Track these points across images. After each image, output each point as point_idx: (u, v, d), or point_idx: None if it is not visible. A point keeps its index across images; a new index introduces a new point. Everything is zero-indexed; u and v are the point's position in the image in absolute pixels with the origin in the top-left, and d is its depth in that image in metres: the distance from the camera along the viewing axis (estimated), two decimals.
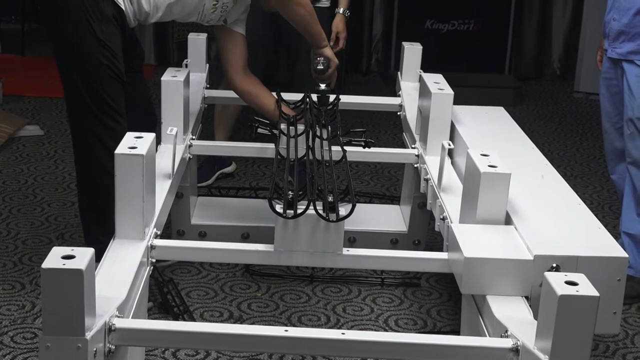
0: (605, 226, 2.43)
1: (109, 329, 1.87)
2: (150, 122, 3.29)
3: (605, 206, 4.43)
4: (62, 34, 3.05)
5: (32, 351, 2.85)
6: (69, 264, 1.72)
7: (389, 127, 5.58)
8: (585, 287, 1.76)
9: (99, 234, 2.98)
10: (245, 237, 3.52)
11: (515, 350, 1.89)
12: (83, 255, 1.76)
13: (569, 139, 5.68)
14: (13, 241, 3.67)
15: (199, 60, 3.86)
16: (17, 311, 3.10)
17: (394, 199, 4.23)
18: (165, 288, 3.24)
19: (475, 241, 2.26)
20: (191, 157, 3.31)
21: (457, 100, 3.21)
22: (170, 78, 3.20)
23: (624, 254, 2.23)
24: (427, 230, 3.63)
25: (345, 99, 3.51)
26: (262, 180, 4.55)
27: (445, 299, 3.36)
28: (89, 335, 1.75)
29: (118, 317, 1.92)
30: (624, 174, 3.52)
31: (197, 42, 3.89)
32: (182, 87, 3.18)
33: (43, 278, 1.72)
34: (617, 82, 3.48)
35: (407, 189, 3.71)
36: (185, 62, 3.67)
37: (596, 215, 2.51)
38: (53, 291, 1.72)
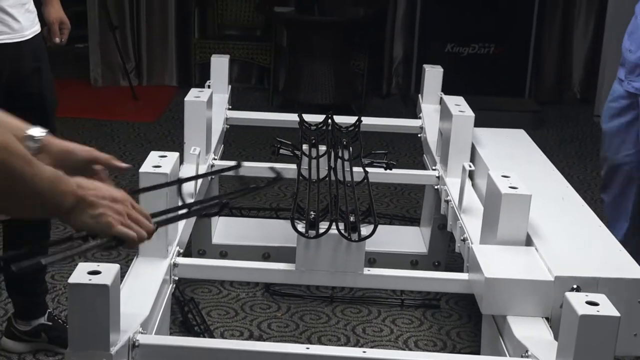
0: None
1: (132, 345, 1.89)
2: None
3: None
4: None
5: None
6: (95, 280, 1.75)
7: (408, 150, 5.60)
8: (606, 307, 1.77)
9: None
10: (266, 257, 3.54)
11: None
12: (109, 271, 1.78)
13: (589, 162, 5.68)
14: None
15: (221, 81, 3.89)
16: None
17: (414, 221, 4.24)
18: (187, 307, 3.26)
19: (496, 262, 2.27)
20: (213, 177, 3.34)
21: (478, 124, 3.23)
22: (193, 99, 3.24)
23: None
24: (447, 252, 3.64)
25: (366, 120, 3.54)
26: (283, 201, 4.57)
27: (465, 321, 3.37)
28: (113, 350, 1.78)
29: (142, 333, 1.94)
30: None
31: (219, 63, 3.93)
32: (205, 107, 3.22)
33: (70, 293, 1.75)
34: (631, 112, 3.29)
35: (427, 210, 3.73)
36: (207, 83, 3.70)
37: None
38: (79, 306, 1.75)
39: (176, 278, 2.42)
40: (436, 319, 3.39)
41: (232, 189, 4.69)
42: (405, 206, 4.65)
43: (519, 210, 2.37)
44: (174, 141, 5.36)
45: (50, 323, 3.04)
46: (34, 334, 3.02)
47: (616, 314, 1.75)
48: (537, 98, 7.16)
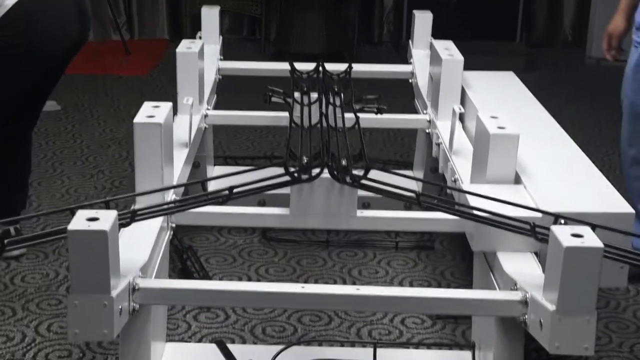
0: (615, 187, 2.48)
1: (132, 289, 1.95)
2: None
3: (617, 169, 4.47)
4: None
5: (57, 317, 2.94)
6: (94, 226, 1.79)
7: (401, 95, 5.60)
8: (590, 239, 1.82)
9: None
10: (262, 204, 3.59)
11: (524, 302, 1.96)
12: (107, 218, 1.83)
13: (581, 104, 5.73)
14: (35, 213, 3.75)
15: (212, 33, 3.92)
16: (42, 279, 3.19)
17: (407, 165, 4.29)
18: (185, 255, 3.32)
19: (486, 200, 2.31)
20: (207, 126, 3.38)
21: (469, 68, 3.26)
22: (185, 50, 3.27)
23: (631, 210, 2.29)
24: (440, 195, 3.68)
25: (357, 67, 3.57)
26: (277, 149, 4.62)
27: (459, 261, 3.43)
28: (114, 293, 1.83)
29: (141, 277, 2.00)
30: None
31: (210, 15, 3.95)
32: (197, 58, 3.24)
33: (69, 239, 1.79)
34: None
35: (420, 154, 3.77)
36: (198, 34, 3.73)
37: (607, 177, 2.56)
38: (79, 251, 1.79)
39: (173, 225, 2.47)
40: (430, 259, 3.45)
41: (225, 140, 4.75)
42: (399, 151, 4.70)
43: (507, 150, 2.42)
44: (168, 93, 5.39)
45: None
46: None
47: (600, 245, 1.80)
48: (528, 42, 7.18)
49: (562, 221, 2.03)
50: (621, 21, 3.35)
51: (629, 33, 3.35)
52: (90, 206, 1.93)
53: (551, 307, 1.84)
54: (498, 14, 6.92)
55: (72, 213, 1.87)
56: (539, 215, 2.17)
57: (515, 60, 6.36)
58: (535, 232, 2.03)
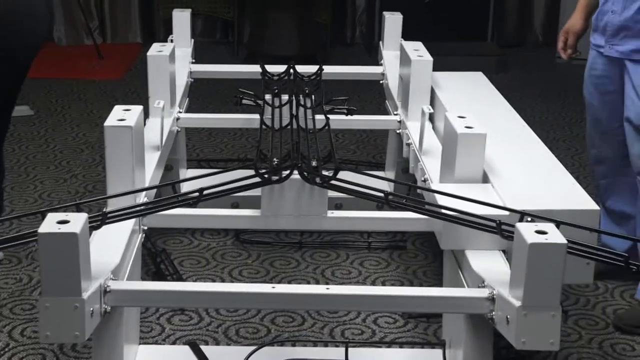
0: (582, 185, 2.52)
1: (104, 291, 1.96)
2: None
3: (587, 167, 4.52)
4: None
5: (31, 321, 2.94)
6: (64, 228, 1.81)
7: (374, 97, 5.66)
8: (554, 236, 1.85)
9: None
10: (235, 207, 3.60)
11: (491, 299, 1.99)
12: (77, 220, 1.84)
13: (552, 103, 5.78)
14: (5, 217, 3.74)
15: (184, 36, 3.93)
16: (15, 284, 3.19)
17: (379, 166, 4.32)
18: (159, 258, 3.33)
19: (454, 199, 2.34)
20: (179, 129, 3.40)
21: (441, 69, 3.29)
22: (156, 53, 3.28)
23: (596, 207, 2.33)
24: (410, 195, 3.72)
25: (328, 69, 3.59)
26: (250, 151, 4.64)
27: (431, 260, 3.46)
28: (85, 295, 1.84)
29: (113, 279, 2.01)
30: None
31: (181, 18, 3.96)
32: (168, 61, 3.26)
33: (40, 242, 1.81)
34: (612, 82, 3.12)
35: (391, 155, 3.81)
36: (170, 37, 3.74)
37: (576, 176, 2.60)
38: (50, 254, 1.81)
39: (145, 227, 2.48)
40: (403, 259, 3.48)
41: (199, 143, 4.76)
42: (371, 152, 4.73)
43: (474, 149, 2.45)
44: (141, 97, 5.38)
45: None
46: None
47: (563, 241, 1.84)
48: (499, 42, 7.23)
49: (529, 219, 2.07)
50: (579, 20, 3.29)
51: (587, 33, 3.32)
52: (63, 209, 1.95)
53: (517, 302, 1.87)
54: (469, 14, 6.97)
55: (43, 216, 1.88)
56: (506, 213, 2.20)
57: (487, 60, 6.41)
58: (501, 229, 2.06)
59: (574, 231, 2.07)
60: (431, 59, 3.25)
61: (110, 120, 2.39)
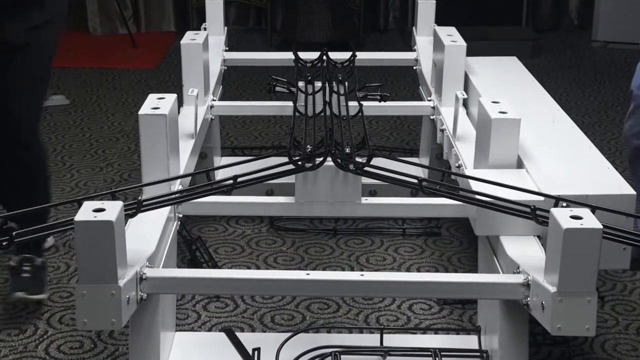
0: (618, 169, 2.50)
1: (140, 278, 1.98)
2: None
3: (624, 151, 4.48)
4: None
5: (69, 309, 2.97)
6: (100, 216, 1.82)
7: (407, 84, 5.65)
8: (590, 221, 1.84)
9: None
10: (269, 194, 3.61)
11: (527, 284, 1.98)
12: (113, 208, 1.86)
13: (587, 88, 5.73)
14: (41, 205, 3.78)
15: (217, 24, 3.94)
16: (53, 272, 3.23)
17: (413, 152, 4.31)
18: (194, 245, 3.35)
19: (488, 184, 2.33)
20: (213, 117, 3.41)
21: (475, 54, 3.27)
22: (189, 41, 3.29)
23: (632, 191, 2.30)
24: (444, 181, 3.71)
25: (361, 55, 3.59)
26: (285, 139, 4.64)
27: (466, 247, 3.45)
28: (121, 282, 1.86)
29: (148, 267, 2.03)
30: None
31: (214, 6, 3.97)
32: (201, 49, 3.27)
33: (76, 230, 1.82)
34: None
35: (425, 141, 3.79)
36: (203, 25, 3.75)
37: (612, 160, 2.57)
38: (86, 242, 1.82)
39: (180, 215, 2.50)
40: (437, 246, 3.47)
41: (234, 131, 4.77)
42: (405, 139, 4.72)
43: (509, 134, 2.44)
44: (175, 86, 5.42)
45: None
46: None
47: (599, 226, 1.82)
48: (534, 26, 7.18)
49: (564, 204, 2.05)
50: None
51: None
52: (98, 198, 1.96)
53: (552, 288, 1.86)
54: None
55: (79, 205, 1.90)
56: (541, 198, 2.18)
57: (521, 45, 6.37)
58: (536, 215, 2.05)
59: (610, 216, 2.05)
60: (465, 44, 3.23)
61: (145, 109, 2.40)
